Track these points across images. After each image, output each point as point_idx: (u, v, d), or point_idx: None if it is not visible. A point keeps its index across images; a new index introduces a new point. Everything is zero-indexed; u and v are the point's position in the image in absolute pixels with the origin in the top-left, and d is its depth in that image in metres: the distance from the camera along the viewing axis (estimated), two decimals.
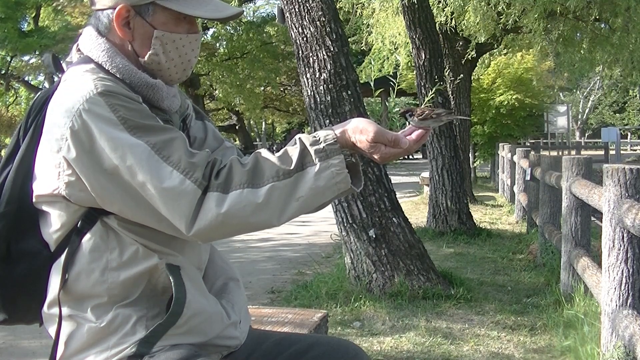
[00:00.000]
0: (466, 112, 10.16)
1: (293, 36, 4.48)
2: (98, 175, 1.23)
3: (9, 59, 20.79)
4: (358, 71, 6.64)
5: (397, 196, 4.53)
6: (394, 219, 4.36)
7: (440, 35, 9.03)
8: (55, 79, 1.41)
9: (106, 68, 1.34)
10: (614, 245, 2.74)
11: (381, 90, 5.31)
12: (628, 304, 2.71)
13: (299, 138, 1.28)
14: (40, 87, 23.79)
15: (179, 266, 1.34)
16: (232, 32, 23.46)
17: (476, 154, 14.29)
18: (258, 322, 2.31)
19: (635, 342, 2.44)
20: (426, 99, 6.50)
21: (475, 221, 7.38)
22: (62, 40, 18.35)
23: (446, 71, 8.25)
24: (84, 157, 1.23)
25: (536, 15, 7.80)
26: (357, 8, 11.50)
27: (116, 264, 1.29)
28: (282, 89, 29.88)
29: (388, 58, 12.11)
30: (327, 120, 4.34)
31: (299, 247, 6.80)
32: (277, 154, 1.27)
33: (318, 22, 4.34)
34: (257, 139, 37.10)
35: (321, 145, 1.26)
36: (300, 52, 4.44)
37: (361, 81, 4.78)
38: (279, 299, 4.52)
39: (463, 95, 10.06)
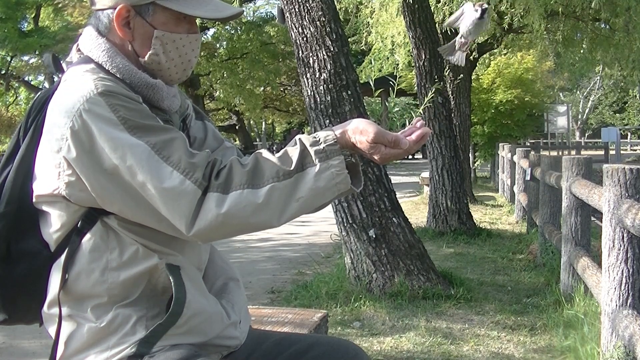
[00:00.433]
0: (466, 112, 10.17)
1: (293, 36, 4.48)
2: (98, 175, 1.23)
3: (9, 59, 20.78)
4: (358, 71, 6.64)
5: (397, 196, 4.53)
6: (394, 219, 4.36)
7: (440, 35, 9.03)
8: (55, 79, 1.41)
9: (106, 68, 1.34)
10: (614, 245, 2.75)
11: (381, 90, 5.31)
12: (628, 304, 2.71)
13: (299, 139, 1.28)
14: (40, 87, 23.79)
15: (179, 266, 1.34)
16: (232, 32, 23.47)
17: (476, 154, 14.29)
18: (258, 322, 2.31)
19: (635, 342, 2.44)
20: (426, 99, 6.50)
21: (475, 221, 7.38)
22: (62, 40, 18.35)
23: (446, 71, 8.24)
24: (84, 157, 1.23)
25: (537, 16, 7.79)
26: (358, 8, 11.50)
27: (116, 264, 1.29)
28: (282, 89, 29.87)
29: (388, 58, 12.10)
30: (327, 120, 4.34)
31: (299, 247, 6.80)
32: (277, 155, 1.27)
33: (318, 22, 4.34)
34: (257, 139, 37.10)
35: (321, 146, 1.26)
36: (300, 52, 4.44)
37: (361, 81, 4.78)
38: (279, 299, 4.52)
39: (463, 95, 10.06)
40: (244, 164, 1.26)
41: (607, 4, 8.40)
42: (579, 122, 40.74)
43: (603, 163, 9.43)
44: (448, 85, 8.78)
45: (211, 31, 23.24)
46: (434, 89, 6.32)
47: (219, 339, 1.39)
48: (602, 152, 21.45)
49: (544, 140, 22.06)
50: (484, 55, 11.79)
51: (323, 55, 4.33)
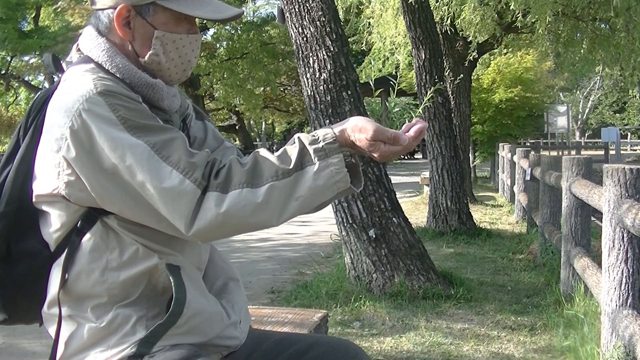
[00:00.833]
0: (466, 112, 10.17)
1: (293, 36, 4.48)
2: (98, 175, 1.23)
3: (9, 59, 20.79)
4: (358, 71, 6.62)
5: (397, 196, 4.53)
6: (394, 219, 4.36)
7: (440, 35, 9.03)
8: (55, 78, 1.41)
9: (106, 68, 1.33)
10: (614, 245, 2.74)
11: (381, 90, 5.30)
12: (628, 304, 2.71)
13: (298, 137, 1.28)
14: (40, 87, 23.79)
15: (179, 266, 1.34)
16: (232, 32, 23.47)
17: (476, 153, 14.30)
18: (258, 322, 2.31)
19: (635, 342, 2.44)
20: (425, 99, 6.50)
21: (475, 221, 7.38)
22: (63, 41, 18.36)
23: (446, 71, 8.25)
24: (84, 157, 1.23)
25: (544, 15, 7.78)
26: (358, 7, 11.50)
27: (116, 264, 1.29)
28: (282, 89, 29.87)
29: (388, 58, 12.11)
30: (327, 120, 4.34)
31: (299, 247, 6.80)
32: (277, 154, 1.27)
33: (318, 22, 4.34)
34: (257, 139, 37.09)
35: (320, 144, 1.25)
36: (300, 52, 4.44)
37: (361, 81, 4.78)
38: (279, 299, 4.52)
39: (463, 95, 10.07)
40: (243, 163, 1.26)
41: (607, 4, 8.40)
42: (579, 122, 40.73)
43: (603, 163, 9.44)
44: (448, 85, 8.78)
45: (211, 31, 23.24)
46: (433, 89, 6.33)
47: (219, 339, 1.39)
48: (602, 152, 21.44)
49: (544, 140, 22.06)
50: (484, 55, 11.79)
51: (323, 55, 4.33)
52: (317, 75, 4.36)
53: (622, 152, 24.30)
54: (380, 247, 4.29)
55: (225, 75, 23.45)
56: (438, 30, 8.05)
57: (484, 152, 14.27)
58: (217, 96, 25.66)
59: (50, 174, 1.27)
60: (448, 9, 8.69)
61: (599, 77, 33.14)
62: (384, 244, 4.29)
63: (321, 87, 4.35)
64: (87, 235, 1.29)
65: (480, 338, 3.56)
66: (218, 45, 23.71)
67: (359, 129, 1.27)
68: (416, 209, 9.22)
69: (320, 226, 8.17)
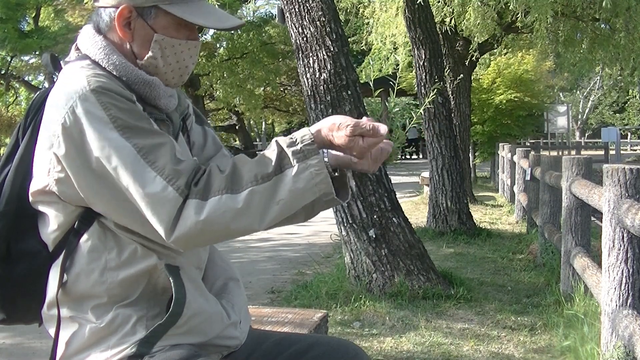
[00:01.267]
0: (466, 112, 10.17)
1: (293, 36, 4.48)
2: (85, 173, 1.23)
3: (9, 59, 20.78)
4: (358, 71, 6.61)
5: (397, 196, 4.53)
6: (394, 219, 4.36)
7: (440, 35, 9.03)
8: (55, 78, 1.41)
9: (102, 65, 1.34)
10: (614, 245, 2.74)
11: (381, 90, 5.28)
12: (628, 304, 2.71)
13: (276, 141, 1.27)
14: (40, 87, 23.78)
15: (178, 266, 1.34)
16: (232, 32, 23.45)
17: (476, 153, 14.30)
18: (258, 322, 2.31)
19: (635, 342, 2.44)
20: (426, 99, 6.50)
21: (475, 221, 7.37)
22: (63, 41, 18.35)
23: (446, 71, 8.25)
24: (73, 154, 1.23)
25: (544, 15, 7.78)
26: (358, 7, 11.50)
27: (115, 264, 1.29)
28: (282, 89, 29.86)
29: (388, 58, 12.11)
30: None
31: (299, 247, 6.79)
32: (255, 158, 1.26)
33: (318, 22, 4.34)
34: (257, 139, 37.07)
35: (298, 147, 1.24)
36: (300, 52, 4.44)
37: (361, 81, 4.77)
38: (279, 299, 4.52)
39: (463, 95, 10.07)
40: (223, 169, 1.25)
41: (609, 3, 8.39)
42: (579, 122, 40.71)
43: (603, 163, 9.43)
44: (448, 85, 8.78)
45: (211, 31, 23.21)
46: (434, 90, 6.33)
47: (219, 339, 1.39)
48: (602, 152, 21.42)
49: (544, 140, 22.06)
50: (484, 56, 11.79)
51: (323, 55, 4.33)
52: (317, 75, 4.36)
53: (622, 152, 24.30)
54: (380, 247, 4.29)
55: (225, 75, 23.44)
56: (438, 30, 8.05)
57: (484, 152, 14.27)
58: (217, 96, 25.65)
59: (43, 170, 1.28)
60: (452, 10, 8.68)
61: (599, 77, 33.13)
62: (384, 244, 4.29)
63: (321, 87, 4.35)
64: (85, 236, 1.29)
65: (480, 338, 3.56)
66: (218, 45, 23.70)
67: (336, 127, 1.26)
68: (416, 209, 9.22)
69: (320, 226, 8.17)
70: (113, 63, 1.33)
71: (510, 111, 13.37)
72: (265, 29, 23.58)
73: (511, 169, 9.30)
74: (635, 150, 34.28)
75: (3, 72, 21.10)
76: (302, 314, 2.43)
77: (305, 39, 4.38)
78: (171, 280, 1.31)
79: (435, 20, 7.95)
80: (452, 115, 7.94)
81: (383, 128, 1.27)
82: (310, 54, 4.37)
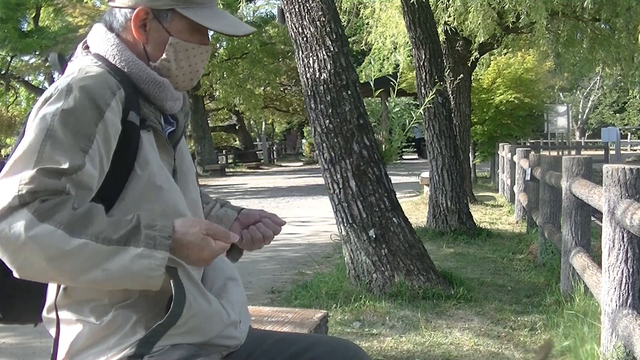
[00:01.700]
0: (466, 112, 10.17)
1: (293, 36, 4.48)
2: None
3: (9, 59, 20.79)
4: (358, 71, 6.63)
5: (397, 196, 4.53)
6: (394, 219, 4.36)
7: (442, 35, 9.03)
8: (56, 77, 1.42)
9: (114, 62, 1.34)
10: (614, 245, 2.74)
11: (381, 90, 5.31)
12: (628, 304, 2.71)
13: (138, 215, 1.23)
14: (40, 87, 23.79)
15: (176, 267, 1.34)
16: None
17: (476, 153, 14.30)
18: (258, 322, 2.31)
19: (635, 342, 2.44)
20: (426, 99, 6.50)
21: (475, 221, 7.37)
22: (63, 41, 18.36)
23: (446, 71, 8.24)
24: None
25: (541, 14, 7.78)
26: (358, 7, 11.50)
27: None
28: (282, 89, 29.87)
29: (388, 58, 12.11)
30: (327, 120, 4.34)
31: (299, 247, 6.80)
32: (112, 218, 1.22)
33: (318, 22, 4.34)
34: (257, 139, 37.07)
35: (154, 233, 1.21)
36: (300, 52, 4.44)
37: (361, 81, 4.78)
38: (279, 299, 4.52)
39: (463, 95, 10.07)
40: (77, 207, 1.19)
41: (608, 4, 8.40)
42: (579, 122, 40.72)
43: (603, 163, 9.43)
44: (448, 85, 8.78)
45: (211, 32, 23.21)
46: (434, 90, 6.33)
47: (219, 339, 1.39)
48: (602, 152, 21.42)
49: (544, 140, 22.06)
50: (484, 55, 11.79)
51: (323, 55, 4.34)
52: (317, 75, 4.36)
53: (622, 152, 24.30)
54: (380, 247, 4.29)
55: (225, 75, 23.46)
56: (438, 30, 8.05)
57: (484, 152, 14.27)
58: (217, 96, 25.66)
59: None
60: (454, 10, 8.68)
61: (599, 77, 33.14)
62: (384, 244, 4.29)
63: (321, 87, 4.35)
64: None
65: (480, 338, 3.56)
66: (218, 45, 23.70)
67: (190, 223, 1.26)
68: (416, 209, 9.22)
69: (320, 226, 8.18)
70: (125, 60, 1.34)
71: (510, 111, 13.37)
72: (265, 29, 23.58)
73: (511, 169, 9.30)
74: (635, 150, 34.27)
75: (3, 72, 21.11)
76: (302, 314, 2.43)
77: (305, 39, 4.39)
78: (170, 281, 1.31)
79: (436, 20, 7.95)
80: (452, 115, 7.94)
81: (234, 236, 1.29)
82: (310, 54, 4.37)
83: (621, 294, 2.72)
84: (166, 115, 1.45)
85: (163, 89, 1.38)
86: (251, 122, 36.63)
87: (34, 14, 20.81)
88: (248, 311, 1.55)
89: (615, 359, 2.67)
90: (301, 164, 29.62)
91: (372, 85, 4.84)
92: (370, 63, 11.94)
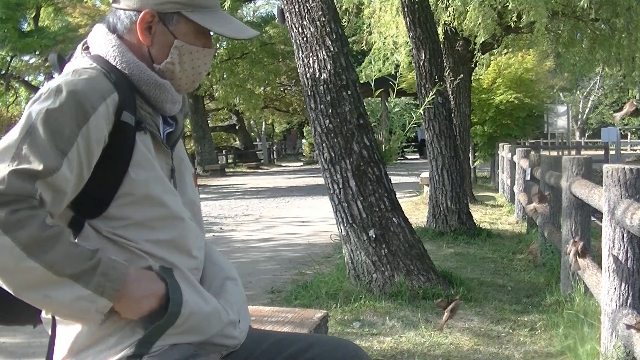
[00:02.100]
0: (466, 112, 10.17)
1: (293, 36, 4.48)
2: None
3: (9, 59, 20.78)
4: (358, 71, 6.60)
5: (397, 196, 4.53)
6: (394, 219, 4.36)
7: (443, 35, 9.03)
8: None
9: (114, 63, 1.34)
10: (614, 245, 2.74)
11: (381, 90, 5.30)
12: (628, 304, 2.70)
13: (101, 256, 1.23)
14: (40, 87, 23.77)
15: (171, 268, 1.34)
16: None
17: (476, 154, 14.30)
18: (258, 322, 2.31)
19: (634, 342, 2.44)
20: (426, 99, 6.50)
21: (475, 221, 7.37)
22: (62, 41, 18.36)
23: (446, 71, 8.24)
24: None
25: (542, 14, 7.78)
26: (359, 7, 11.50)
27: None
28: (282, 89, 29.87)
29: (388, 58, 12.11)
30: (327, 120, 4.34)
31: (299, 247, 6.80)
32: (79, 248, 1.21)
33: (318, 22, 4.34)
34: (257, 139, 37.07)
35: (105, 282, 1.22)
36: (300, 52, 4.44)
37: (361, 81, 4.78)
38: (279, 299, 4.52)
39: (463, 95, 10.07)
40: (47, 227, 1.18)
41: (608, 4, 8.40)
42: (579, 122, 40.71)
43: (603, 163, 9.42)
44: (448, 85, 8.78)
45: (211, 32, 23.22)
46: (435, 90, 6.33)
47: (218, 338, 1.39)
48: (602, 152, 21.42)
49: (544, 140, 22.06)
50: (484, 55, 11.79)
51: (323, 55, 4.33)
52: (317, 75, 4.36)
53: (622, 152, 24.29)
54: (380, 247, 4.29)
55: (225, 75, 23.46)
56: (438, 30, 8.05)
57: (484, 152, 14.27)
58: (217, 96, 25.66)
59: None
60: (454, 10, 8.68)
61: (599, 77, 33.13)
62: (384, 244, 4.29)
63: (321, 87, 4.35)
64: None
65: (480, 338, 3.56)
66: (218, 45, 23.70)
67: (146, 278, 1.29)
68: (416, 209, 9.22)
69: (320, 226, 8.18)
70: (126, 61, 1.34)
71: (510, 111, 13.37)
72: (265, 29, 23.57)
73: (511, 169, 9.30)
74: (635, 150, 34.27)
75: (3, 72, 21.11)
76: (302, 314, 2.43)
77: (305, 39, 4.38)
78: (167, 282, 1.31)
79: (436, 20, 7.95)
80: (452, 115, 7.93)
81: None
82: (310, 54, 4.37)
83: (621, 294, 2.72)
84: (165, 116, 1.45)
85: (163, 91, 1.38)
86: (251, 122, 36.63)
87: (34, 14, 20.81)
88: (248, 311, 1.55)
89: (615, 359, 2.67)
90: (301, 164, 29.62)
91: (372, 85, 4.84)
92: (370, 63, 11.93)
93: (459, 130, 9.75)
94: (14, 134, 1.20)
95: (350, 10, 11.51)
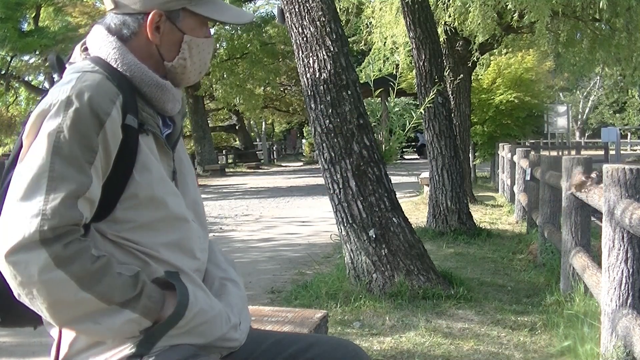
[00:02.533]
0: (466, 112, 10.17)
1: (293, 36, 4.48)
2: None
3: (9, 59, 20.77)
4: (358, 71, 6.61)
5: (397, 196, 4.53)
6: (394, 219, 4.36)
7: (444, 35, 9.02)
8: (56, 78, 1.41)
9: (115, 65, 1.34)
10: (614, 245, 2.74)
11: (381, 90, 5.31)
12: (628, 304, 2.70)
13: (144, 279, 1.28)
14: (40, 87, 23.79)
15: (177, 272, 1.34)
16: (232, 32, 23.46)
17: (476, 153, 14.30)
18: (258, 322, 2.31)
19: (634, 342, 2.44)
20: (426, 99, 6.50)
21: (475, 221, 7.37)
22: (62, 41, 18.35)
23: (446, 71, 8.24)
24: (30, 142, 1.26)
25: (543, 13, 7.77)
26: (359, 7, 11.50)
27: None
28: (282, 89, 29.87)
29: (388, 58, 12.11)
30: (327, 120, 4.34)
31: (299, 247, 6.80)
32: (121, 279, 1.24)
33: (318, 22, 4.34)
34: (257, 139, 37.06)
35: (151, 304, 1.27)
36: (300, 52, 4.44)
37: (361, 81, 4.77)
38: (279, 299, 4.52)
39: (463, 95, 10.07)
40: (96, 259, 1.22)
41: (608, 4, 8.39)
42: (579, 122, 40.72)
43: (603, 163, 9.42)
44: (448, 85, 8.78)
45: (211, 31, 23.24)
46: (435, 90, 6.33)
47: (219, 341, 1.39)
48: (602, 152, 21.42)
49: (544, 140, 22.06)
50: (484, 55, 11.79)
51: (323, 55, 4.33)
52: (317, 75, 4.36)
53: (622, 152, 24.28)
54: (380, 247, 4.29)
55: (225, 75, 23.46)
56: (438, 30, 8.05)
57: (484, 152, 14.27)
58: (217, 96, 25.66)
59: None
60: (454, 10, 8.67)
61: (599, 77, 33.13)
62: (384, 244, 4.29)
63: (321, 87, 4.35)
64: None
65: (480, 338, 3.56)
66: (218, 45, 23.70)
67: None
68: (416, 209, 9.22)
69: (320, 226, 8.18)
70: (128, 63, 1.35)
71: (510, 111, 13.37)
72: (265, 29, 23.58)
73: (511, 169, 9.30)
74: (635, 150, 34.27)
75: (3, 72, 21.09)
76: (302, 313, 2.43)
77: (305, 39, 4.38)
78: (175, 284, 1.31)
79: (436, 20, 7.95)
80: (452, 115, 7.94)
81: None
82: (310, 54, 4.37)
83: (621, 294, 2.72)
84: (164, 117, 1.45)
85: (165, 91, 1.39)
86: (251, 122, 36.63)
87: (34, 14, 20.80)
88: (248, 311, 1.55)
89: (615, 359, 2.67)
90: (301, 164, 29.62)
91: (372, 85, 4.84)
92: (370, 63, 11.94)
93: (459, 130, 9.74)
94: (38, 157, 1.20)
95: (350, 10, 11.50)
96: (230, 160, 29.43)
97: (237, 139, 33.43)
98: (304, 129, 35.06)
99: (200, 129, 24.36)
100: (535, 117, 15.50)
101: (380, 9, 10.98)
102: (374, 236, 4.29)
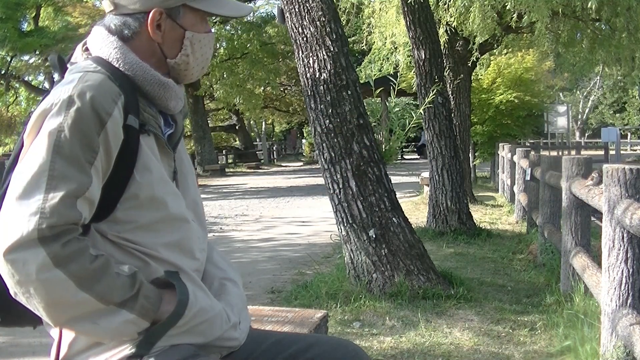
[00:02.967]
0: (466, 112, 10.17)
1: (293, 36, 4.48)
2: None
3: (9, 59, 20.77)
4: (358, 71, 6.61)
5: (397, 196, 4.53)
6: (394, 219, 4.36)
7: (445, 35, 9.01)
8: (56, 78, 1.41)
9: (117, 65, 1.34)
10: (614, 245, 2.74)
11: (381, 90, 5.31)
12: (628, 304, 2.70)
13: (141, 279, 1.27)
14: (40, 87, 23.78)
15: (177, 271, 1.34)
16: (232, 32, 23.47)
17: (476, 153, 14.30)
18: (258, 322, 2.31)
19: (634, 342, 2.44)
20: (426, 99, 6.50)
21: (475, 221, 7.37)
22: (62, 40, 18.35)
23: (446, 71, 8.24)
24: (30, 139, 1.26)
25: (543, 13, 7.77)
26: (359, 7, 11.49)
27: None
28: (282, 89, 29.87)
29: (388, 58, 12.11)
30: (327, 120, 4.34)
31: (299, 247, 6.80)
32: (124, 275, 1.24)
33: (318, 22, 4.34)
34: (257, 139, 37.06)
35: (148, 305, 1.26)
36: (300, 52, 4.44)
37: (361, 81, 4.78)
38: (279, 299, 4.52)
39: (463, 95, 10.07)
40: (94, 258, 1.22)
41: (608, 4, 8.39)
42: (579, 122, 40.72)
43: (603, 163, 9.42)
44: (448, 85, 8.78)
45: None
46: (434, 90, 6.32)
47: (219, 341, 1.39)
48: (602, 152, 21.43)
49: (544, 140, 22.06)
50: (484, 55, 11.79)
51: (323, 55, 4.33)
52: (317, 75, 4.36)
53: (622, 152, 24.28)
54: (380, 247, 4.29)
55: (225, 75, 23.46)
56: (438, 30, 8.05)
57: (484, 152, 14.27)
58: (217, 96, 25.66)
59: None
60: (455, 10, 8.67)
61: (599, 77, 33.14)
62: (384, 244, 4.29)
63: (321, 87, 4.35)
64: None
65: (480, 338, 3.56)
66: (218, 45, 23.70)
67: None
68: (416, 209, 9.22)
69: (320, 226, 8.18)
70: (129, 62, 1.35)
71: (510, 111, 13.37)
72: (265, 29, 23.58)
73: (511, 169, 9.30)
74: (635, 150, 34.27)
75: (3, 72, 21.09)
76: (302, 313, 2.43)
77: (305, 39, 4.38)
78: (174, 284, 1.31)
79: (436, 20, 7.95)
80: (452, 115, 7.94)
81: None
82: (310, 54, 4.37)
83: (621, 294, 2.72)
84: (166, 117, 1.45)
85: (167, 89, 1.39)
86: (251, 122, 36.64)
87: (34, 14, 20.79)
88: (248, 311, 1.55)
89: (615, 359, 2.67)
90: (301, 164, 29.62)
91: (372, 85, 4.84)
92: (370, 63, 11.94)
93: (459, 130, 9.74)
94: (38, 155, 1.20)
95: (350, 10, 11.50)
96: (230, 160, 29.43)
97: (237, 139, 33.43)
98: (304, 129, 35.05)
99: (200, 129, 24.36)
100: (535, 117, 15.50)
101: (380, 9, 10.98)
102: (374, 236, 4.29)
